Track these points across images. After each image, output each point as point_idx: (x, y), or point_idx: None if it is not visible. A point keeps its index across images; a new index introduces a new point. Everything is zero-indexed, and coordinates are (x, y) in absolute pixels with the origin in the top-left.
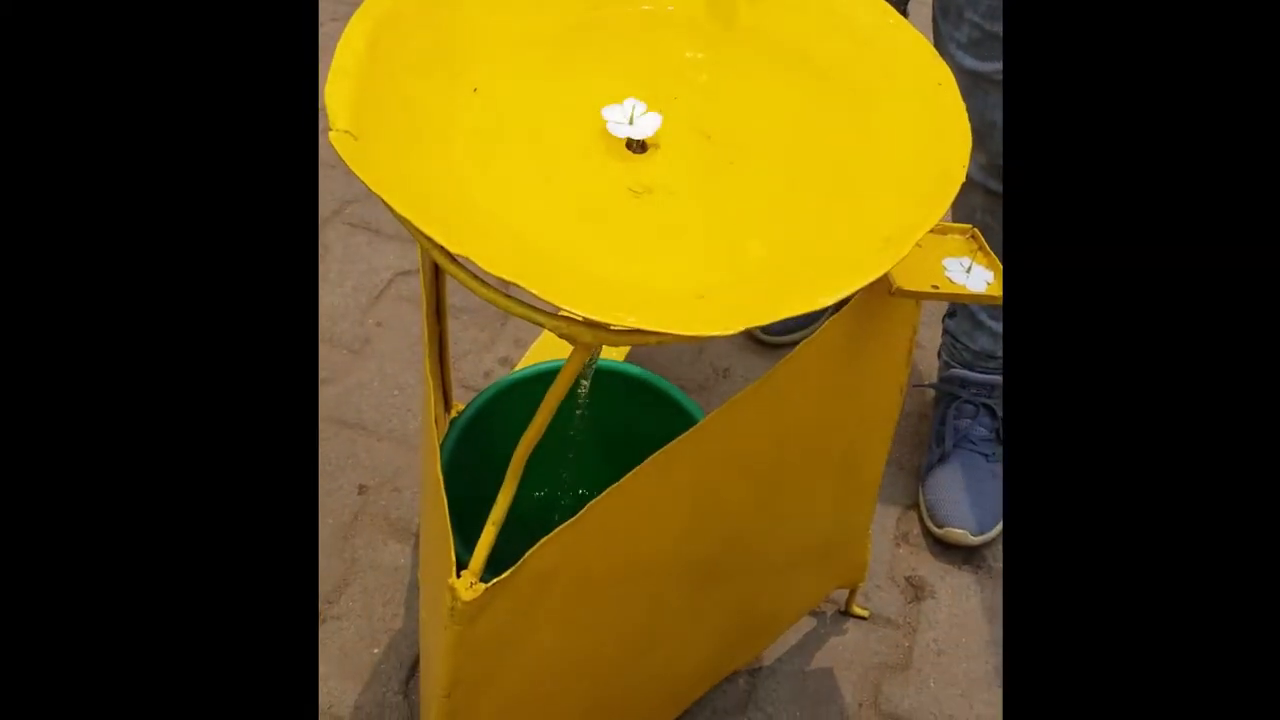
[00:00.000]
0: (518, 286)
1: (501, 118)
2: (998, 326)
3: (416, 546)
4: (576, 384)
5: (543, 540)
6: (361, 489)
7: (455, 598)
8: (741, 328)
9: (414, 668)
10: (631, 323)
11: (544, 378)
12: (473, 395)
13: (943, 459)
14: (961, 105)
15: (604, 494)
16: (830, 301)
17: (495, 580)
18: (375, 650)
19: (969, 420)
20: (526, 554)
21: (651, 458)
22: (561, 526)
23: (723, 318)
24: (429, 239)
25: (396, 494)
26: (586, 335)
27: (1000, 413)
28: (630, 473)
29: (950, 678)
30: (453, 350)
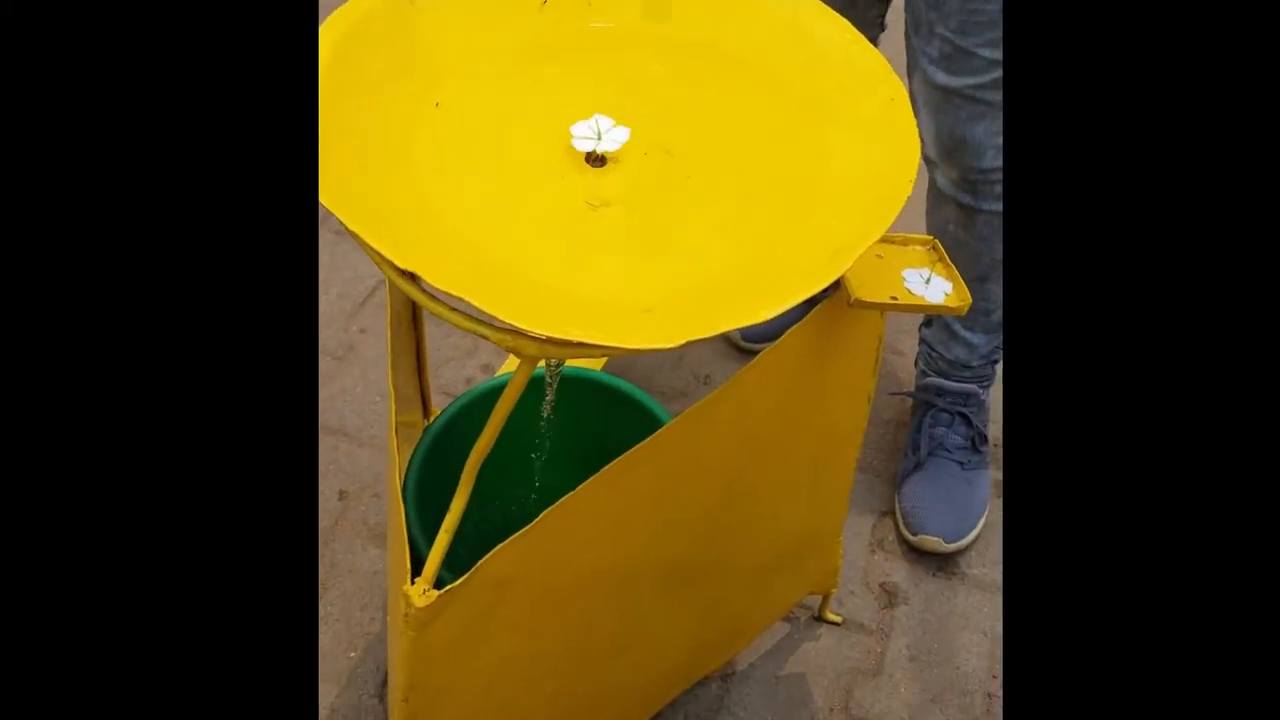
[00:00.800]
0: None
1: (463, 132)
2: (972, 337)
3: None
4: (543, 394)
5: (496, 548)
6: (342, 494)
7: (409, 604)
8: (682, 341)
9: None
10: (575, 336)
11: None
12: None
13: (918, 467)
14: (912, 120)
15: (559, 502)
16: (772, 314)
17: (448, 587)
18: (353, 654)
19: (944, 429)
20: (479, 562)
21: (610, 465)
22: (515, 535)
23: (666, 331)
24: (377, 254)
25: (376, 500)
26: (530, 348)
27: (975, 421)
28: (587, 480)
29: (922, 683)
30: (434, 358)
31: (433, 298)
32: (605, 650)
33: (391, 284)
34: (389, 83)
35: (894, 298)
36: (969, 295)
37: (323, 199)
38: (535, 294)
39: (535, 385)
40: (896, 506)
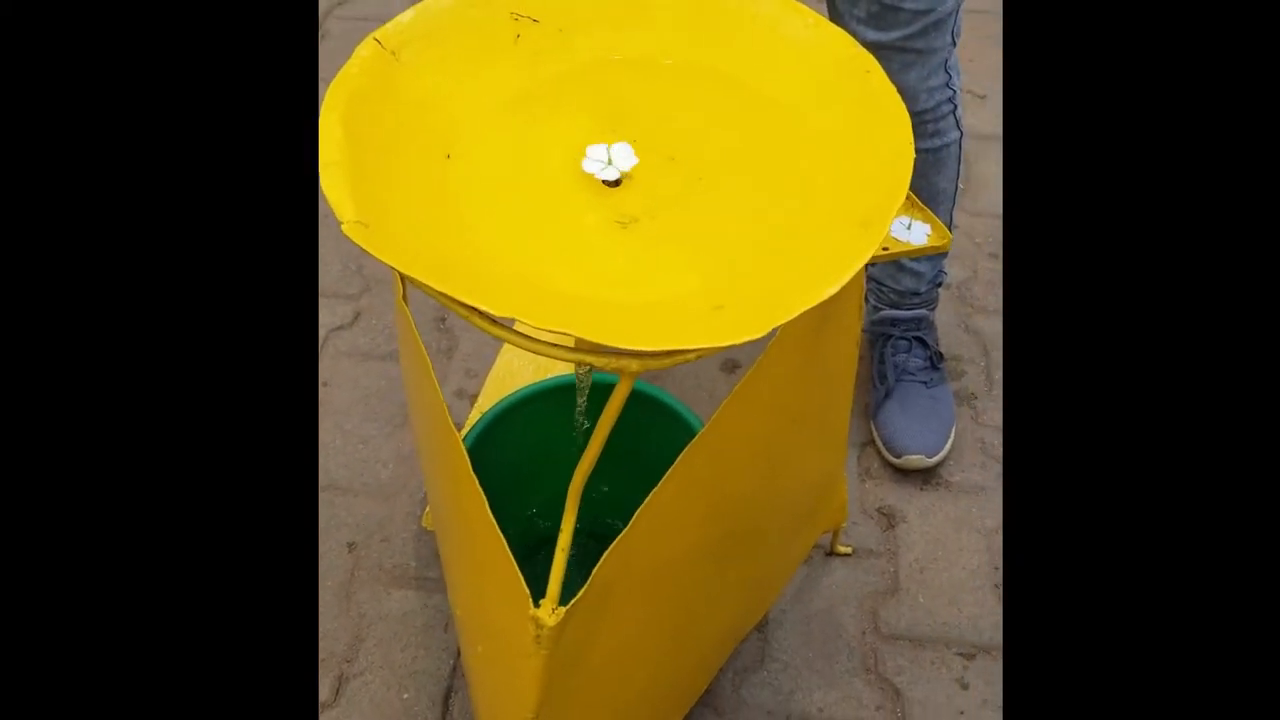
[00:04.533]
0: (567, 334)
1: (482, 178)
2: (918, 266)
3: (422, 589)
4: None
5: (606, 553)
6: (351, 546)
7: (540, 625)
8: (769, 329)
9: (446, 703)
10: (676, 345)
11: (526, 403)
12: None
13: (888, 395)
14: (892, 87)
15: (646, 501)
16: (836, 289)
17: (573, 601)
18: (405, 695)
19: (904, 355)
20: (594, 569)
21: (680, 457)
22: (618, 539)
23: (747, 323)
24: (472, 308)
25: (386, 544)
26: (634, 365)
27: (929, 342)
28: (665, 476)
29: (937, 589)
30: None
31: (527, 338)
32: (679, 630)
33: (402, 313)
34: (400, 143)
35: (885, 248)
36: (949, 232)
37: (403, 269)
38: (615, 314)
39: (542, 399)
40: (875, 435)
